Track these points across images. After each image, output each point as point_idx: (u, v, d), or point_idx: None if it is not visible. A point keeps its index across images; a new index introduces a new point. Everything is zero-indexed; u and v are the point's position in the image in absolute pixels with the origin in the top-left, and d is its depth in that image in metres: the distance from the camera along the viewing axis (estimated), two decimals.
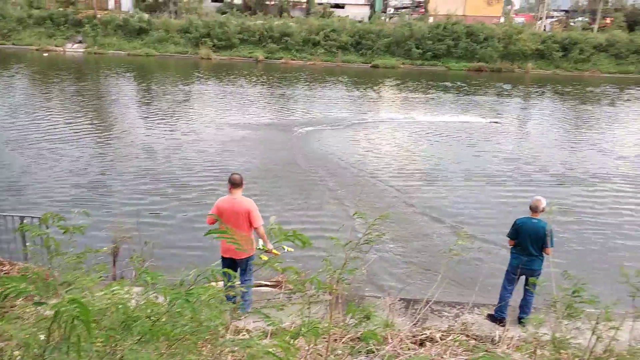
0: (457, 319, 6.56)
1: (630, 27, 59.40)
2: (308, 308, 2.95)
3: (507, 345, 5.17)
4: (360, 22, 57.12)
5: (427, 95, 32.68)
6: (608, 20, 62.98)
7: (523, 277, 6.84)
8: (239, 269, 6.53)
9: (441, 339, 5.23)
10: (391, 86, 37.73)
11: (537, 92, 37.29)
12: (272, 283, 7.57)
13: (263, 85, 34.44)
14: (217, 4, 66.17)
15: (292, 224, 10.94)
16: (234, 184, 6.61)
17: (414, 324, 5.89)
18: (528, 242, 6.71)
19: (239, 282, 6.20)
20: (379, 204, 12.53)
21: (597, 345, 3.31)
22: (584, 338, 3.51)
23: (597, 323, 3.36)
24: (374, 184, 14.21)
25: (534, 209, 6.81)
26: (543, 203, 6.79)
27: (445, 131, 21.68)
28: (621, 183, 15.09)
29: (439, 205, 12.65)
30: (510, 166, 16.58)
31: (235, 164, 15.50)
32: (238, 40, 51.17)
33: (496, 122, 24.21)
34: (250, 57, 49.84)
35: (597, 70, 49.43)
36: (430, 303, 5.70)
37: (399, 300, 7.12)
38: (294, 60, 49.94)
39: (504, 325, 6.51)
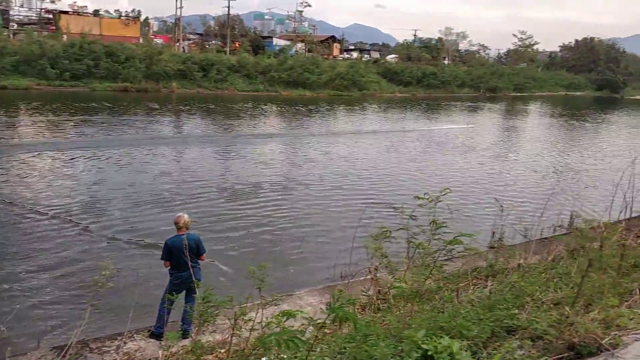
0: (119, 350, 6.19)
1: (255, 51, 68.97)
2: None
3: None
4: None
5: (75, 118, 30.28)
6: (237, 44, 71.40)
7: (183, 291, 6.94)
8: None
9: None
10: (28, 109, 33.41)
11: (185, 110, 39.17)
12: None
13: None
14: None
15: None
16: None
17: None
18: (184, 258, 6.78)
19: None
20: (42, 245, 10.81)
21: (235, 338, 3.56)
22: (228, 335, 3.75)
23: (235, 320, 3.61)
24: (23, 221, 12.20)
25: (177, 225, 7.00)
26: (184, 218, 7.05)
27: (106, 157, 20.39)
28: (274, 189, 17.12)
29: (110, 231, 11.79)
30: (174, 185, 16.74)
31: None
32: None
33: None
34: None
35: (234, 89, 55.38)
36: (84, 342, 5.17)
37: (51, 350, 6.25)
38: None
39: (162, 341, 6.48)
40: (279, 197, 15.99)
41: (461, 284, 8.03)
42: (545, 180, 20.27)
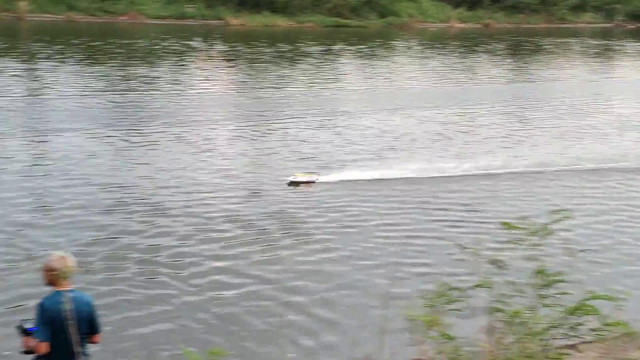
0: None
1: None
2: None
3: None
4: None
5: None
6: None
7: None
8: None
9: None
10: None
11: (49, 47, 21.69)
12: None
13: None
14: None
15: None
16: None
17: None
18: (69, 334, 3.64)
19: None
20: None
21: None
22: None
23: None
24: None
25: (60, 275, 3.64)
26: (67, 260, 3.70)
27: None
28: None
29: None
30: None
31: None
32: None
33: None
34: None
35: (139, 13, 31.66)
36: None
37: None
38: None
39: None
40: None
41: None
42: None
